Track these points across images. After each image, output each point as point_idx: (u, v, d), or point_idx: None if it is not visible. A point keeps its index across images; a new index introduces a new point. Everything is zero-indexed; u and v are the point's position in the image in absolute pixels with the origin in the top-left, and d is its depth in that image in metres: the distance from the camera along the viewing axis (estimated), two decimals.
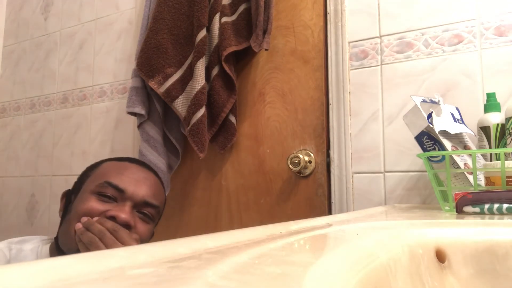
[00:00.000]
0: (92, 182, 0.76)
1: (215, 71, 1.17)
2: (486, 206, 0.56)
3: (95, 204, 0.72)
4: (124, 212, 0.72)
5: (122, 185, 0.74)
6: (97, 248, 0.66)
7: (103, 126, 1.51)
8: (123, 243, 0.67)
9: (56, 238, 0.76)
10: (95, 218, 0.70)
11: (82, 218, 0.70)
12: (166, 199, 0.88)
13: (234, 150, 1.22)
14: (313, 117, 1.11)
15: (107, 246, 0.66)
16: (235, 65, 1.21)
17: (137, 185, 0.76)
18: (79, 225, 0.69)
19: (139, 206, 0.76)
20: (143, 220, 0.76)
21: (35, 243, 0.79)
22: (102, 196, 0.74)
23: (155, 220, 0.80)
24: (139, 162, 0.83)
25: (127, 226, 0.71)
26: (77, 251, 0.69)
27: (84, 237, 0.67)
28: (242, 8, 1.18)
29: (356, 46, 1.07)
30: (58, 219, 0.79)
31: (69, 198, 0.79)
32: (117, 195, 0.74)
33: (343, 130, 1.06)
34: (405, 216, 0.56)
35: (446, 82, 0.96)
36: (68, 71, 1.64)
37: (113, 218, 0.70)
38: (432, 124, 0.73)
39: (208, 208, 1.24)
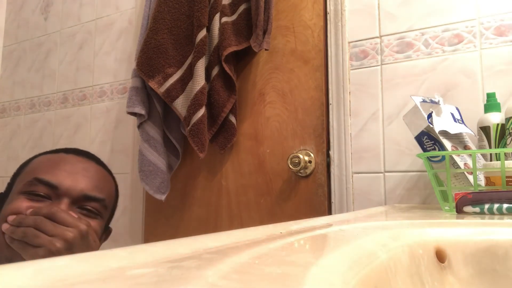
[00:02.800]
0: (21, 181, 0.66)
1: (215, 71, 1.17)
2: (486, 206, 0.56)
3: (24, 203, 0.61)
4: None
5: (55, 180, 0.63)
6: (36, 238, 0.54)
7: (103, 126, 1.51)
8: (70, 226, 0.56)
9: None
10: (28, 211, 0.59)
11: (8, 217, 0.59)
12: (118, 189, 0.76)
13: (234, 150, 1.22)
14: (313, 117, 1.11)
15: (49, 233, 0.54)
16: (235, 65, 1.21)
17: (74, 178, 0.65)
18: (6, 225, 0.58)
19: (79, 202, 0.65)
20: (87, 217, 0.65)
21: None
22: (32, 195, 0.63)
23: (104, 215, 0.70)
24: (78, 152, 0.71)
25: None
26: (8, 259, 0.58)
27: (18, 233, 0.55)
28: (242, 8, 1.18)
29: (356, 46, 1.07)
30: None
31: (0, 203, 0.68)
32: (51, 192, 0.63)
33: (343, 130, 1.06)
34: (405, 216, 0.56)
35: (446, 82, 0.96)
36: (68, 71, 1.64)
37: None
38: (432, 124, 0.73)
39: (208, 208, 1.24)
